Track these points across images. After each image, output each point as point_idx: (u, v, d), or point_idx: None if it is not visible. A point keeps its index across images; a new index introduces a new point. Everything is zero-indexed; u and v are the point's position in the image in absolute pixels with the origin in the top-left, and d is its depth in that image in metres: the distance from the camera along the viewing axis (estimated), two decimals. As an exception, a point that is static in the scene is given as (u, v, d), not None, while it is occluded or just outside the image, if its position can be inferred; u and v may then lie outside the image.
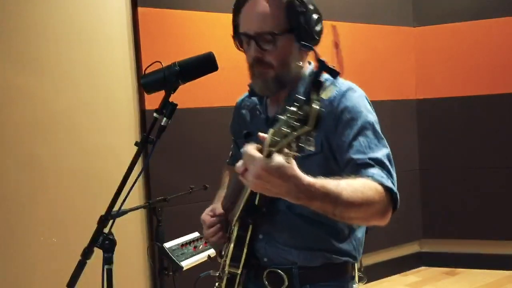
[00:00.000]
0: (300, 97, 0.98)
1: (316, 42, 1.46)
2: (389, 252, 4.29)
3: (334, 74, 1.05)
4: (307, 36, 1.42)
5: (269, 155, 1.06)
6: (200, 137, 3.36)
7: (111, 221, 1.45)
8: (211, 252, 2.51)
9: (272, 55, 1.43)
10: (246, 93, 1.70)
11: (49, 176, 2.87)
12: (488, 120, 4.25)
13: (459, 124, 4.33)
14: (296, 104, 0.98)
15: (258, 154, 1.08)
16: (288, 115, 0.98)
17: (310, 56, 1.54)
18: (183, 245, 2.49)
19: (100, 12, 3.05)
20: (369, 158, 1.34)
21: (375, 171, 1.31)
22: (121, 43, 3.12)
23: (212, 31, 3.38)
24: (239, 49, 1.53)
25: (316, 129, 0.94)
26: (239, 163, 1.14)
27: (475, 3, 4.24)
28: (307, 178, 1.14)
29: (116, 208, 1.44)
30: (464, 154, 4.32)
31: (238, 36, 1.51)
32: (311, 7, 1.43)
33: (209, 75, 1.48)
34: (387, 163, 1.35)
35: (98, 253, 1.44)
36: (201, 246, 2.55)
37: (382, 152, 1.37)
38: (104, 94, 3.06)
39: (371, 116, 1.42)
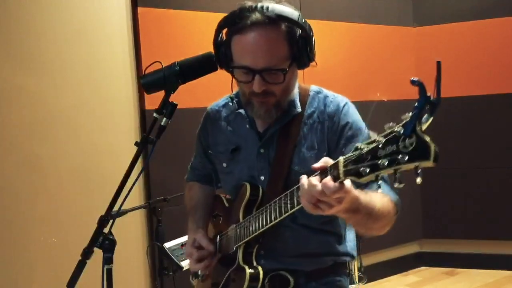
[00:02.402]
0: (398, 128, 0.97)
1: (310, 64, 1.47)
2: (389, 252, 4.29)
3: (435, 106, 1.00)
4: (306, 62, 1.43)
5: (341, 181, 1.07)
6: (200, 137, 3.36)
7: (111, 221, 1.45)
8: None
9: (278, 86, 1.42)
10: (218, 102, 1.72)
11: (49, 176, 2.87)
12: (488, 120, 4.25)
13: (459, 124, 4.32)
14: (388, 134, 0.97)
15: (336, 185, 1.08)
16: (377, 145, 0.98)
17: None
18: (183, 245, 2.48)
19: (100, 12, 3.04)
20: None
21: (384, 186, 1.38)
22: (121, 43, 3.12)
23: (212, 31, 3.38)
24: (235, 78, 1.47)
25: (437, 162, 0.93)
26: (307, 197, 1.14)
27: (475, 3, 4.24)
28: (358, 194, 1.18)
29: (116, 208, 1.44)
30: (464, 154, 4.32)
31: (230, 65, 1.45)
32: (303, 31, 1.40)
33: (209, 75, 1.47)
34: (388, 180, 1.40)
35: (98, 253, 1.44)
36: (201, 246, 2.54)
37: None
38: (104, 94, 3.06)
39: (367, 130, 1.48)
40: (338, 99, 1.52)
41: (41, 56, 2.85)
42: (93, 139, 3.01)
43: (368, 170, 0.99)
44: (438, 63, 1.36)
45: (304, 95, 1.54)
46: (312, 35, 1.43)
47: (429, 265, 4.50)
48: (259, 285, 1.48)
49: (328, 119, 1.49)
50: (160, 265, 2.49)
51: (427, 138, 0.93)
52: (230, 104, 1.65)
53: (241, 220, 1.53)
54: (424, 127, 0.96)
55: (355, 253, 1.60)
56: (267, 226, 1.40)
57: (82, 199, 2.94)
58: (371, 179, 1.00)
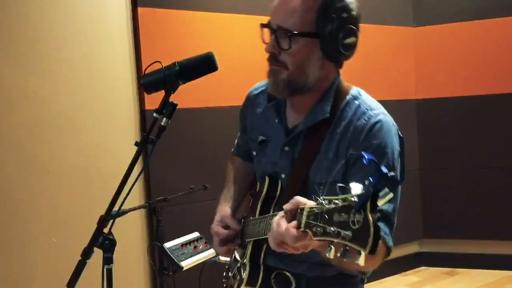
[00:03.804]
0: (354, 198, 0.90)
1: (343, 56, 1.36)
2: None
3: (396, 184, 0.90)
4: (331, 47, 1.31)
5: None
6: (200, 137, 3.36)
7: (111, 221, 1.44)
8: (212, 253, 2.51)
9: (288, 56, 1.33)
10: (259, 85, 1.60)
11: (49, 176, 2.87)
12: (488, 120, 4.25)
13: (459, 124, 4.32)
14: (346, 200, 0.91)
15: (295, 234, 1.02)
16: (333, 207, 0.93)
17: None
18: (183, 245, 2.49)
19: (100, 12, 3.04)
20: (380, 211, 1.28)
21: (382, 226, 1.28)
22: (121, 43, 3.12)
23: (212, 31, 3.39)
24: (262, 40, 1.39)
25: (372, 254, 0.86)
26: (273, 234, 1.10)
27: (475, 3, 4.24)
28: None
29: (116, 208, 1.44)
30: (464, 154, 4.32)
31: (264, 26, 1.38)
32: (347, 15, 1.30)
33: (209, 75, 1.47)
34: (394, 217, 1.33)
35: (98, 253, 1.44)
36: (201, 246, 2.55)
37: (393, 204, 1.32)
38: (104, 94, 3.06)
39: (395, 160, 1.32)
40: (372, 113, 1.35)
41: (41, 56, 2.85)
42: (93, 139, 3.01)
43: (321, 232, 0.95)
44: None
45: (339, 98, 1.41)
46: (357, 29, 1.33)
47: (429, 265, 4.50)
48: (259, 282, 1.45)
49: (353, 133, 1.34)
50: (160, 265, 2.49)
51: (371, 224, 0.86)
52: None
53: (257, 215, 1.48)
54: (381, 202, 0.89)
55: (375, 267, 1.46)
56: (263, 237, 1.37)
57: (82, 199, 2.94)
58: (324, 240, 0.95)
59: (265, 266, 1.47)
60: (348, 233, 0.88)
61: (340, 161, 1.33)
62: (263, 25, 1.38)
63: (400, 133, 1.38)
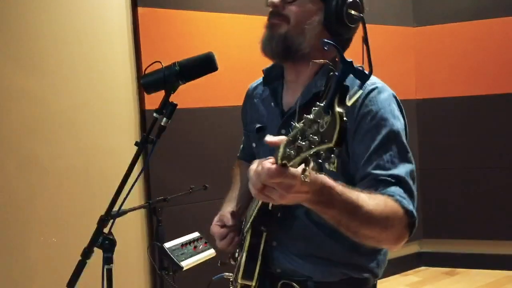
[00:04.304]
0: (320, 104, 0.81)
1: (343, 28, 1.30)
2: (389, 252, 4.29)
3: (364, 77, 0.84)
4: (334, 12, 1.28)
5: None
6: (200, 137, 3.36)
7: (111, 221, 1.45)
8: (212, 253, 2.51)
9: (291, 10, 1.30)
10: (259, 79, 1.57)
11: (49, 176, 2.87)
12: (488, 120, 4.25)
13: (459, 124, 4.33)
14: (315, 110, 0.82)
15: (271, 167, 0.92)
16: (305, 124, 0.83)
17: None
18: (183, 245, 2.48)
19: (100, 12, 3.04)
20: (391, 176, 1.19)
21: (396, 190, 1.18)
22: (121, 43, 3.12)
23: (212, 31, 3.39)
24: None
25: (340, 146, 0.76)
26: (252, 181, 0.99)
27: (475, 3, 4.24)
28: (331, 184, 1.02)
29: (116, 208, 1.44)
30: (464, 154, 4.32)
31: None
32: None
33: (209, 75, 1.47)
34: (410, 181, 1.21)
35: (98, 253, 1.44)
36: (201, 246, 2.54)
37: (405, 169, 1.22)
38: (104, 94, 3.06)
39: (398, 123, 1.25)
40: (369, 82, 1.24)
41: (41, 56, 2.85)
42: (93, 139, 3.01)
43: (294, 153, 0.85)
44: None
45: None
46: (362, 6, 1.30)
47: (429, 265, 4.50)
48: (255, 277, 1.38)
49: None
50: (160, 265, 2.49)
51: (337, 115, 0.77)
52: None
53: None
54: (350, 102, 0.81)
55: (379, 269, 1.36)
56: (254, 213, 1.31)
57: (82, 199, 2.94)
58: (300, 163, 0.86)
59: (271, 273, 1.39)
60: (316, 137, 0.79)
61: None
62: None
63: (399, 101, 1.32)
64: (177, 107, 1.43)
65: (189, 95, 3.08)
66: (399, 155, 1.23)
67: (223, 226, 1.51)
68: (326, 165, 0.80)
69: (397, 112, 1.28)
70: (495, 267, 4.25)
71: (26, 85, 2.81)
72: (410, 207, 1.17)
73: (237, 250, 1.55)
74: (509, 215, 4.21)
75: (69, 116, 2.94)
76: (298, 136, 0.85)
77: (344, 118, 0.77)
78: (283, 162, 0.90)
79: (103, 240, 1.42)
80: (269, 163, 0.93)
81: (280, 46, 1.32)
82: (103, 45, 3.06)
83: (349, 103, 0.80)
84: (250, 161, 1.63)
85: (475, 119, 4.28)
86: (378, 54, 4.65)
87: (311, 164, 0.84)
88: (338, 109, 0.77)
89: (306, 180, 0.86)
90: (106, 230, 1.44)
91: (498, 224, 4.25)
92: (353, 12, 1.28)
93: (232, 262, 1.58)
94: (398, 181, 1.19)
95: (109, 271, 1.43)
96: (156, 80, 1.44)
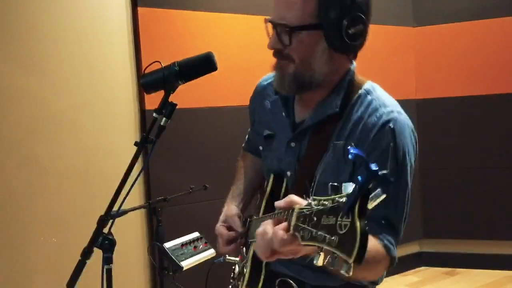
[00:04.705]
0: (340, 199, 0.81)
1: (351, 46, 1.26)
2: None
3: (387, 184, 0.82)
4: (336, 37, 1.23)
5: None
6: (200, 137, 3.36)
7: (111, 221, 1.45)
8: (212, 253, 2.51)
9: (292, 50, 1.26)
10: (271, 76, 1.50)
11: (49, 176, 2.87)
12: (488, 120, 4.25)
13: (459, 124, 4.32)
14: (334, 201, 0.82)
15: (284, 237, 0.92)
16: (321, 211, 0.83)
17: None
18: (183, 245, 2.49)
19: (100, 12, 3.04)
20: (386, 219, 1.21)
21: (387, 236, 1.22)
22: (121, 43, 3.12)
23: (212, 31, 3.39)
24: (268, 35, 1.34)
25: (358, 264, 0.78)
26: (261, 248, 0.99)
27: (475, 3, 4.24)
28: None
29: (116, 208, 1.44)
30: (464, 154, 4.32)
31: (268, 21, 1.32)
32: (350, 2, 1.22)
33: (209, 75, 1.47)
34: (400, 226, 1.26)
35: (98, 253, 1.44)
36: (201, 246, 2.55)
37: (401, 214, 1.25)
38: (104, 94, 3.06)
39: (409, 165, 1.25)
40: (384, 110, 1.26)
41: (41, 56, 2.85)
42: (93, 139, 3.02)
43: (308, 236, 0.85)
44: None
45: (351, 92, 1.32)
46: (364, 16, 1.25)
47: (429, 265, 4.50)
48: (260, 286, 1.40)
49: (362, 132, 1.25)
50: (160, 265, 2.49)
51: (358, 230, 0.77)
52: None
53: (260, 214, 1.42)
54: (371, 205, 0.80)
55: (381, 278, 1.34)
56: None
57: (82, 199, 2.94)
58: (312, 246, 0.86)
59: (267, 271, 1.40)
60: (334, 238, 0.80)
61: (348, 161, 1.23)
62: (266, 20, 1.32)
63: (415, 134, 1.31)
64: (177, 107, 1.43)
65: (189, 95, 3.08)
66: (403, 197, 1.26)
67: (229, 228, 1.49)
68: (336, 267, 0.81)
69: (411, 148, 1.27)
70: (495, 267, 4.25)
71: (26, 85, 2.81)
72: (394, 253, 1.23)
73: (241, 253, 1.54)
74: (509, 215, 4.21)
75: (69, 116, 2.94)
76: (313, 216, 0.85)
77: (364, 235, 0.77)
78: (295, 234, 0.90)
79: (103, 240, 1.42)
80: (281, 231, 0.93)
81: (293, 86, 1.31)
82: (103, 45, 3.06)
83: (370, 206, 0.80)
84: (256, 154, 1.63)
85: (475, 119, 4.28)
86: (378, 54, 4.70)
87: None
88: (360, 221, 0.77)
89: (315, 262, 0.86)
90: (106, 230, 1.44)
91: (498, 224, 4.25)
92: (353, 30, 1.24)
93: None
94: (389, 224, 1.22)
95: (109, 271, 1.43)
96: (155, 80, 1.44)
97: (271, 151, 1.46)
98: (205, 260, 2.48)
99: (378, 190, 0.81)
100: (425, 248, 4.54)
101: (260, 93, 1.55)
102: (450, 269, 4.39)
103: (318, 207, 0.85)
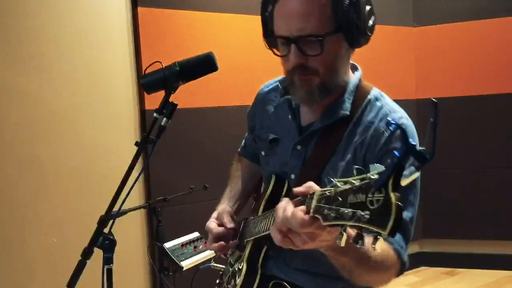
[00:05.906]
0: (371, 176, 0.79)
1: (368, 40, 1.30)
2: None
3: (424, 161, 0.82)
4: (358, 34, 1.26)
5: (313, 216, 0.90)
6: (200, 137, 3.36)
7: (111, 221, 1.45)
8: (212, 253, 2.51)
9: (317, 60, 1.25)
10: (272, 82, 1.54)
11: (49, 176, 2.87)
12: (488, 120, 4.25)
13: (459, 124, 4.32)
14: (363, 179, 0.81)
15: (305, 218, 0.90)
16: (347, 189, 0.82)
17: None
18: (183, 245, 2.49)
19: (100, 12, 3.04)
20: None
21: (398, 237, 1.22)
22: (121, 43, 3.12)
23: (212, 31, 3.39)
24: (275, 54, 1.33)
25: (392, 236, 0.76)
26: (277, 224, 0.97)
27: (475, 3, 4.24)
28: None
29: (116, 208, 1.44)
30: (464, 154, 4.32)
31: (270, 38, 1.32)
32: None
33: (209, 75, 1.47)
34: (411, 227, 1.27)
35: (98, 253, 1.44)
36: (201, 246, 2.55)
37: (410, 212, 1.28)
38: (104, 94, 3.06)
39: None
40: (394, 116, 1.30)
41: (41, 56, 2.85)
42: (93, 139, 3.02)
43: (333, 215, 0.83)
44: (435, 104, 1.13)
45: (360, 97, 1.34)
46: (368, 4, 1.27)
47: (429, 265, 4.49)
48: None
49: (373, 136, 1.27)
50: (160, 265, 2.49)
51: (393, 203, 0.75)
52: (280, 87, 1.48)
53: (259, 213, 1.42)
54: (405, 182, 0.79)
55: (388, 282, 1.35)
56: (264, 234, 1.30)
57: (82, 199, 2.94)
58: (336, 226, 0.84)
59: (262, 274, 1.41)
60: (365, 213, 0.77)
61: (357, 164, 1.23)
62: (267, 37, 1.32)
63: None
64: (177, 107, 1.43)
65: (189, 95, 3.08)
66: (412, 195, 1.30)
67: (220, 225, 1.51)
68: (360, 245, 0.80)
69: None
70: (495, 267, 4.25)
71: (26, 85, 2.81)
72: (405, 257, 1.25)
73: (229, 253, 1.55)
74: (509, 215, 4.21)
75: (69, 116, 2.94)
76: (337, 196, 0.83)
77: (399, 207, 0.75)
78: (315, 216, 0.88)
79: (103, 240, 1.42)
80: (301, 212, 0.91)
81: (324, 95, 1.30)
82: (103, 45, 3.06)
83: (403, 183, 0.78)
84: (252, 160, 1.65)
85: (475, 119, 4.28)
86: (378, 54, 4.70)
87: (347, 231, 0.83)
88: (395, 197, 0.76)
89: (338, 242, 0.85)
90: (106, 230, 1.44)
91: (498, 224, 4.25)
92: (371, 22, 1.29)
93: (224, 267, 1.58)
94: (402, 229, 1.22)
95: (109, 271, 1.43)
96: (156, 80, 1.44)
97: (275, 156, 1.47)
98: (205, 261, 2.48)
99: (412, 167, 0.82)
100: (425, 248, 4.53)
101: (262, 100, 1.56)
102: (450, 269, 4.39)
103: (345, 186, 0.83)
